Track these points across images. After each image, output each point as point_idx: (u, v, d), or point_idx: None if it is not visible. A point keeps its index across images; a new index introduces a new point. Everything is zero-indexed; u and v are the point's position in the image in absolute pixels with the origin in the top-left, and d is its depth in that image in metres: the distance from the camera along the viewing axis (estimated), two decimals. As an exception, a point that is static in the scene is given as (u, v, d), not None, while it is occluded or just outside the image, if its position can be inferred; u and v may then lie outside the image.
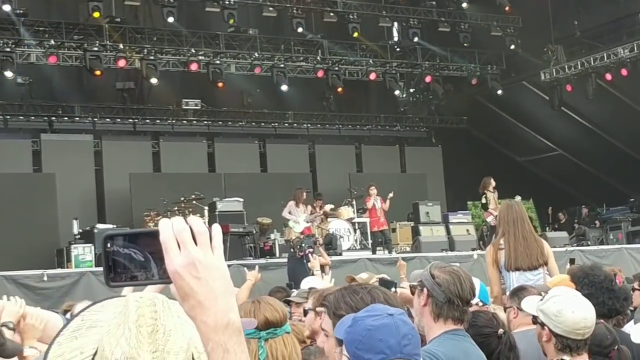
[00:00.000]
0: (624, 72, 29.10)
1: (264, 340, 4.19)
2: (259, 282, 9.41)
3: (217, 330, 1.91)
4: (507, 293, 7.15)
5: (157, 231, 1.93)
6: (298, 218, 21.88)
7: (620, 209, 31.43)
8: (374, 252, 22.70)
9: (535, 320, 5.06)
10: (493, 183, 24.36)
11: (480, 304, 6.42)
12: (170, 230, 1.92)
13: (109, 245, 1.99)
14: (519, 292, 6.43)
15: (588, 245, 25.90)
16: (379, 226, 23.34)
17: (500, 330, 5.05)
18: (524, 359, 5.40)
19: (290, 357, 4.17)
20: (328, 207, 23.42)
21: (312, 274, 12.46)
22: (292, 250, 18.54)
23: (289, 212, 22.13)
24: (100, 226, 22.22)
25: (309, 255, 16.91)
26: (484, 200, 24.94)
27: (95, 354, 1.95)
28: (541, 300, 5.11)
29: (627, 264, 21.06)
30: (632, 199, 31.40)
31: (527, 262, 8.50)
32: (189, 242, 1.91)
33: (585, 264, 7.83)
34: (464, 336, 4.54)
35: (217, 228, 1.97)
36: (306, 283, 9.53)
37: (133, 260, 1.99)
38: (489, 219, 24.81)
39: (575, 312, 4.79)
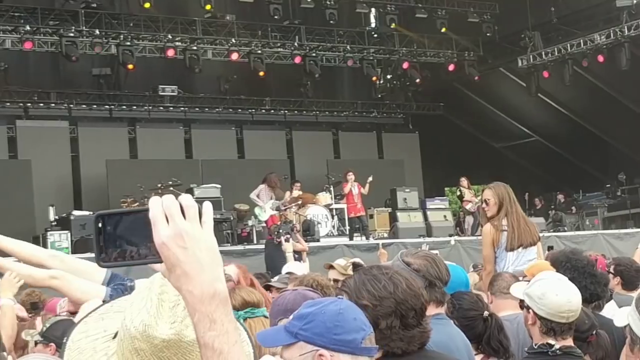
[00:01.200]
0: (600, 58, 29.21)
1: (242, 319, 4.20)
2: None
3: (203, 301, 1.92)
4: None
5: (147, 209, 1.93)
6: (265, 205, 21.72)
7: (596, 195, 31.61)
8: (351, 239, 22.72)
9: (522, 304, 5.07)
10: (465, 182, 25.97)
11: None
12: (160, 206, 1.94)
13: (100, 224, 1.98)
14: (494, 281, 6.48)
15: (564, 231, 26.07)
16: (356, 212, 23.35)
17: (486, 313, 5.06)
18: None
19: None
20: (296, 193, 23.26)
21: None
22: (269, 236, 18.52)
23: (257, 196, 21.98)
24: (76, 213, 22.10)
25: (288, 241, 16.91)
26: (458, 193, 25.62)
27: (117, 333, 2.00)
28: (527, 283, 5.14)
29: (603, 250, 21.13)
30: (608, 185, 31.61)
31: (529, 238, 8.69)
32: (177, 215, 1.93)
33: (566, 249, 7.87)
34: (447, 320, 4.54)
35: (208, 205, 1.99)
36: (286, 269, 9.57)
37: (124, 240, 1.99)
38: (468, 206, 25.20)
39: (559, 295, 4.81)
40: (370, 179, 23.98)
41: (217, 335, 1.92)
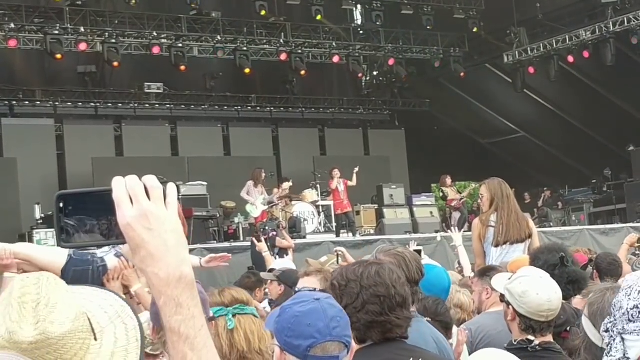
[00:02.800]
0: (585, 54, 29.29)
1: (231, 314, 4.23)
2: (224, 265, 9.40)
3: (169, 284, 1.89)
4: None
5: (110, 189, 1.90)
6: (256, 201, 21.65)
7: (582, 191, 31.70)
8: (337, 235, 22.70)
9: (502, 298, 5.07)
10: (448, 181, 25.75)
11: None
12: (123, 186, 1.91)
13: (61, 205, 1.96)
14: (489, 272, 6.46)
15: (550, 226, 26.07)
16: (343, 209, 23.31)
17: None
18: (500, 340, 5.40)
19: (259, 333, 4.19)
20: (287, 185, 23.20)
21: (276, 257, 12.49)
22: (255, 233, 18.49)
23: (247, 193, 21.93)
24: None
25: (274, 238, 16.91)
26: (441, 194, 25.64)
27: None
28: (509, 279, 5.12)
29: (588, 245, 21.15)
30: (594, 181, 31.67)
31: (517, 234, 8.69)
32: (142, 196, 1.91)
33: (543, 245, 7.88)
34: (418, 317, 4.55)
35: (172, 186, 1.97)
36: (280, 265, 9.61)
37: (86, 221, 1.96)
38: (454, 203, 25.26)
39: (539, 294, 4.80)
40: (357, 169, 23.96)
41: (184, 319, 1.89)
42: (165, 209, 1.93)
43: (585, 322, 3.55)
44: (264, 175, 22.20)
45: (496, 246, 8.68)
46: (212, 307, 4.27)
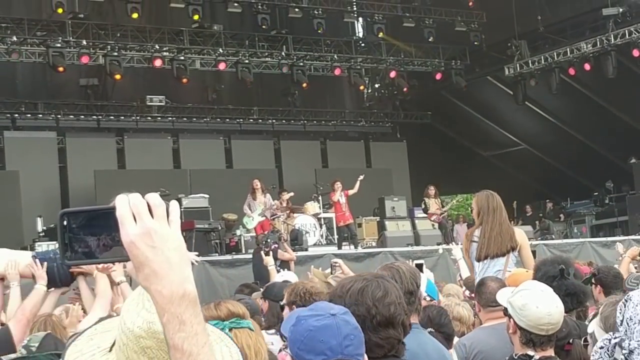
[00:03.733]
0: (587, 66, 29.28)
1: (227, 329, 4.22)
2: (224, 278, 9.41)
3: (172, 301, 1.91)
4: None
5: (114, 207, 1.93)
6: (253, 213, 21.62)
7: (584, 203, 31.70)
8: (339, 248, 22.70)
9: (505, 312, 5.08)
10: (432, 191, 25.59)
11: (428, 298, 6.51)
12: (127, 204, 1.93)
13: (65, 222, 1.98)
14: (479, 288, 6.47)
15: (552, 239, 26.07)
16: (345, 220, 23.29)
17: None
18: (494, 355, 5.41)
19: (255, 347, 4.19)
20: (287, 196, 23.19)
21: (278, 270, 12.47)
22: (257, 246, 18.50)
23: (248, 206, 21.87)
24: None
25: (276, 251, 16.91)
26: (423, 206, 25.58)
27: (113, 345, 2.04)
28: (512, 292, 5.14)
29: (590, 258, 21.18)
30: (596, 193, 31.68)
31: (497, 249, 8.64)
32: (145, 214, 1.93)
33: (548, 256, 7.87)
34: (418, 329, 4.55)
35: (174, 204, 1.98)
36: (280, 277, 9.57)
37: (90, 238, 1.98)
38: (433, 218, 25.28)
39: (539, 307, 4.80)
40: (362, 177, 23.98)
41: (187, 336, 1.91)
42: (168, 226, 1.95)
43: (600, 332, 3.60)
44: (256, 183, 21.97)
45: (478, 260, 8.69)
46: (208, 320, 4.26)
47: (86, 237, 1.99)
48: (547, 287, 5.10)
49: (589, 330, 4.10)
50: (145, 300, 2.05)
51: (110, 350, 2.08)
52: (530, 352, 4.83)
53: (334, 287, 3.81)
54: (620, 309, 3.70)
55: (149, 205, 1.94)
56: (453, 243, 13.83)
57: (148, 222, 1.92)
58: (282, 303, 6.24)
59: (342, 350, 3.00)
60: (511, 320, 4.92)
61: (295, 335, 3.04)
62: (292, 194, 23.34)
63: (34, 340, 5.38)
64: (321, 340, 2.99)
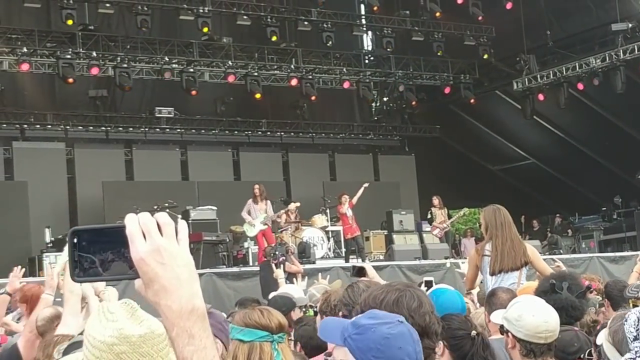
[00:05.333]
0: (595, 81, 29.25)
1: (277, 343, 4.18)
2: (231, 290, 9.41)
3: (181, 316, 1.96)
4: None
5: (123, 226, 1.96)
6: (254, 220, 21.58)
7: (593, 218, 31.64)
8: (347, 260, 22.67)
9: (501, 330, 5.11)
10: (436, 201, 25.72)
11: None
12: (136, 222, 1.98)
13: (75, 240, 2.00)
14: (490, 298, 6.49)
15: (560, 253, 26.00)
16: (352, 233, 23.27)
17: (474, 332, 5.08)
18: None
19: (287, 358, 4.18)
20: (293, 206, 23.20)
21: (286, 282, 12.48)
22: (265, 258, 18.50)
23: (248, 212, 21.83)
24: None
25: (283, 263, 16.90)
26: (429, 216, 25.62)
27: None
28: (505, 309, 5.17)
29: (597, 273, 21.13)
30: (604, 208, 31.61)
31: (510, 263, 8.67)
32: (155, 232, 1.98)
33: (552, 273, 7.89)
34: None
35: (183, 223, 2.05)
36: (282, 290, 9.59)
37: (99, 256, 2.01)
38: (435, 231, 25.30)
39: (535, 316, 4.86)
40: (366, 185, 23.98)
41: (196, 350, 1.95)
42: (177, 244, 2.00)
43: (609, 348, 3.61)
44: (256, 189, 21.93)
45: (492, 275, 8.70)
46: (254, 327, 4.18)
47: (96, 255, 2.02)
48: (538, 298, 5.17)
49: (598, 342, 4.12)
50: (105, 312, 2.18)
51: None
52: None
53: (363, 298, 3.74)
54: (635, 324, 3.70)
55: (158, 224, 1.99)
56: (460, 257, 13.88)
57: (157, 240, 1.98)
58: (316, 309, 6.24)
59: (417, 355, 3.02)
60: (509, 335, 4.96)
61: (368, 343, 3.00)
62: (298, 204, 23.38)
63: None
64: (399, 347, 2.98)
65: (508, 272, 8.64)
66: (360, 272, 7.18)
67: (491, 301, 6.43)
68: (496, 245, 8.72)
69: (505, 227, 8.84)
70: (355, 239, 23.34)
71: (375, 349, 2.98)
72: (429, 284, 5.95)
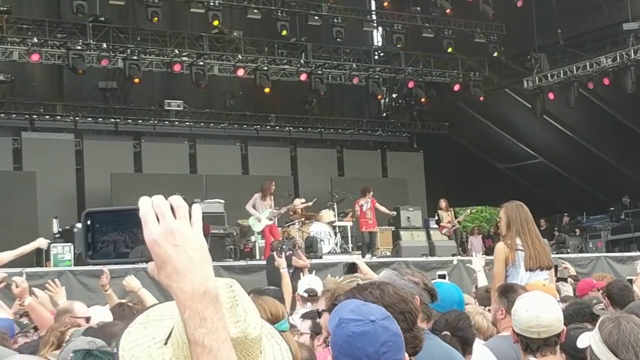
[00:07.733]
0: (606, 81, 29.18)
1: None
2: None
3: (194, 298, 1.96)
4: None
5: (137, 208, 1.96)
6: (261, 215, 21.57)
7: (600, 218, 31.61)
8: (363, 255, 22.61)
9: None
10: (443, 204, 25.80)
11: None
12: (150, 205, 1.98)
13: (88, 222, 2.00)
14: (508, 293, 6.42)
15: (568, 253, 25.98)
16: (368, 227, 23.36)
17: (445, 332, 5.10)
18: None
19: (294, 350, 4.20)
20: (298, 202, 23.23)
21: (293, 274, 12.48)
22: (272, 252, 18.49)
23: (253, 206, 21.81)
24: (80, 225, 22.07)
25: (290, 257, 16.90)
26: (436, 217, 25.70)
27: (168, 338, 2.07)
28: None
29: (605, 273, 21.09)
30: (612, 208, 31.59)
31: (546, 262, 8.63)
32: (168, 214, 1.98)
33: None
34: (427, 333, 4.58)
35: (197, 206, 2.04)
36: (306, 282, 9.59)
37: (113, 238, 2.01)
38: (444, 231, 25.36)
39: (528, 311, 4.92)
40: (394, 214, 24.33)
41: (207, 332, 1.95)
42: (190, 227, 2.00)
43: (602, 349, 3.62)
44: (273, 187, 22.05)
45: (529, 270, 8.56)
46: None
47: (109, 237, 2.01)
48: (544, 294, 5.18)
49: (580, 344, 4.19)
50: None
51: (166, 343, 2.11)
52: (532, 358, 4.88)
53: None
54: None
55: (171, 207, 1.99)
56: (474, 253, 13.74)
57: (171, 222, 1.97)
58: (320, 309, 6.24)
59: (379, 357, 3.03)
60: (513, 330, 5.05)
61: (336, 338, 3.08)
62: (303, 200, 23.43)
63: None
64: (359, 346, 3.02)
65: (544, 270, 8.55)
66: (352, 268, 7.19)
67: (510, 297, 6.37)
68: (526, 241, 8.61)
69: (530, 224, 8.78)
70: (370, 233, 23.41)
71: (339, 345, 3.05)
72: (442, 278, 5.99)
